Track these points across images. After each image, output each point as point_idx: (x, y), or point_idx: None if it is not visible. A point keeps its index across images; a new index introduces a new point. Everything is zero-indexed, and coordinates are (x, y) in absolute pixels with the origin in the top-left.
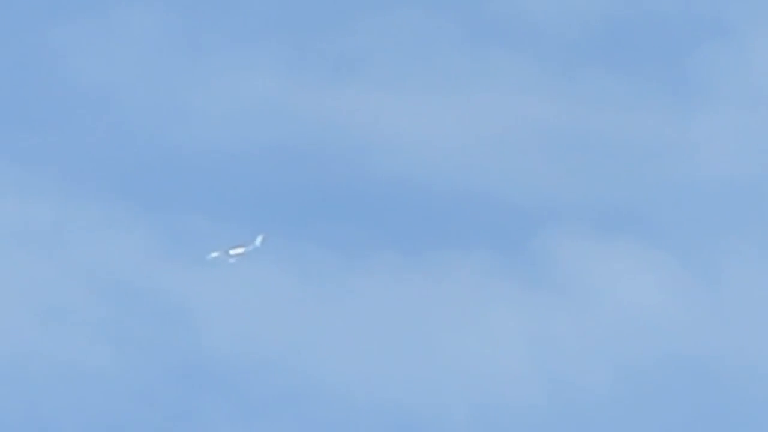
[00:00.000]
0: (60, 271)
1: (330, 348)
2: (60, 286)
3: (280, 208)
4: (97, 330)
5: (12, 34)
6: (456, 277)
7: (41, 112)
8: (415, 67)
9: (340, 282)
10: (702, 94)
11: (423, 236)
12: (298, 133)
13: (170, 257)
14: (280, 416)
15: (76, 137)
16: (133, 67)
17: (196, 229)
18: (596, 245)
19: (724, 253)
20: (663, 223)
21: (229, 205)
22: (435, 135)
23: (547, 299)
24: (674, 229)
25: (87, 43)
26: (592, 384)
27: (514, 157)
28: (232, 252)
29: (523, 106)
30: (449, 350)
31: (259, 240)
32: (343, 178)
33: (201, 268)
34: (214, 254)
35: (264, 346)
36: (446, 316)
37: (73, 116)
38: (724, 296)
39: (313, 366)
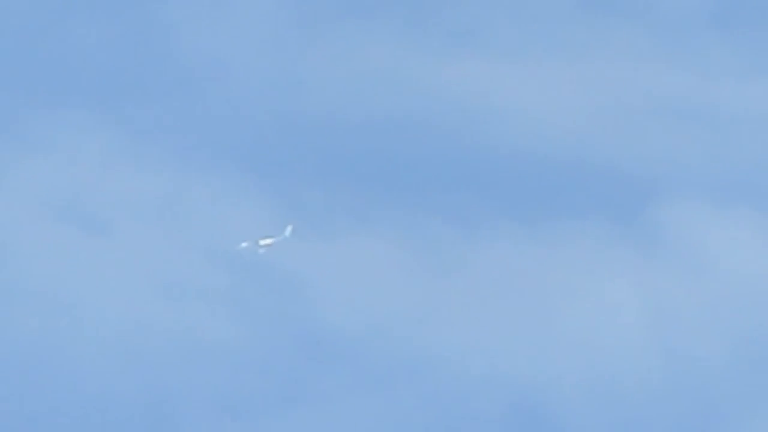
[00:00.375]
0: (178, 244)
1: (446, 319)
2: (178, 259)
3: (396, 179)
4: (216, 302)
5: (127, 9)
6: (572, 247)
7: (157, 85)
8: (531, 37)
9: (456, 253)
10: None
11: (539, 206)
12: (414, 104)
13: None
14: (396, 387)
15: (192, 110)
16: (248, 38)
17: (313, 201)
18: (712, 214)
19: None
20: None
21: (345, 176)
22: (551, 105)
23: (662, 269)
24: None
25: (201, 16)
26: (707, 354)
27: (629, 126)
28: (261, 243)
29: (638, 76)
30: (565, 320)
31: (288, 230)
32: (459, 148)
33: (318, 240)
34: (244, 244)
35: (381, 317)
36: (562, 285)
37: (188, 89)
38: None
39: (429, 337)
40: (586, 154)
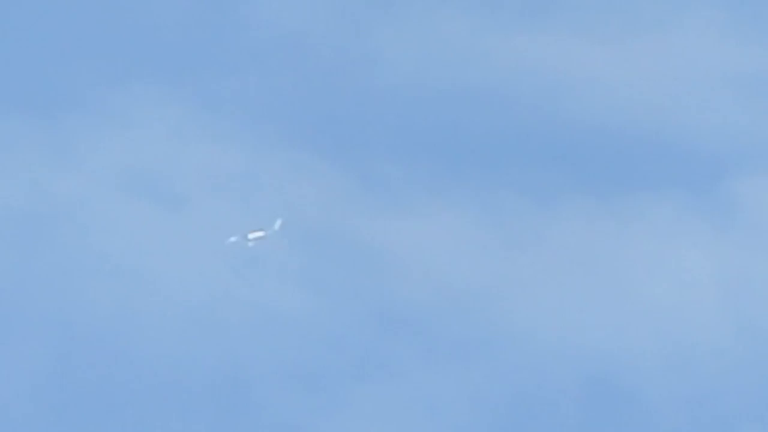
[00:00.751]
0: (253, 217)
1: (522, 292)
2: (255, 231)
3: (472, 154)
4: (291, 276)
5: None
6: (647, 220)
7: (231, 59)
8: (609, 11)
9: (532, 227)
10: None
11: (615, 180)
12: (490, 78)
13: (364, 204)
14: (472, 361)
15: (266, 83)
16: (322, 12)
17: (388, 175)
18: None
19: None
20: None
21: (421, 150)
22: (627, 80)
23: (737, 241)
24: None
25: None
26: None
27: (705, 100)
28: (251, 236)
29: (715, 51)
30: (640, 293)
31: (278, 224)
32: (535, 122)
33: (394, 214)
34: (233, 239)
35: (457, 291)
36: (637, 258)
37: (263, 62)
38: None
39: (505, 310)
40: (662, 128)
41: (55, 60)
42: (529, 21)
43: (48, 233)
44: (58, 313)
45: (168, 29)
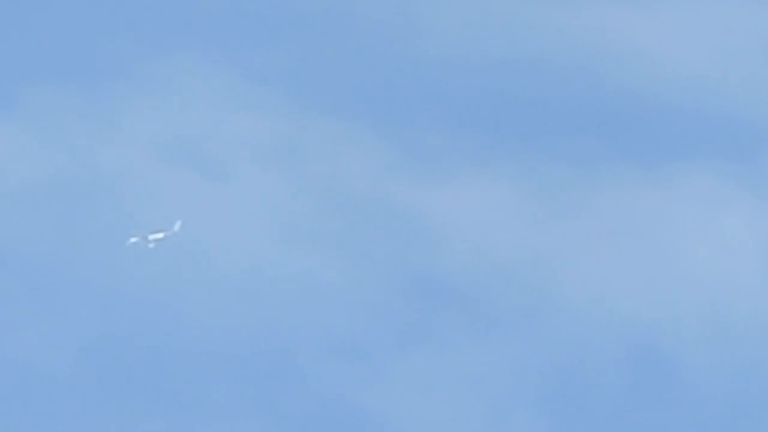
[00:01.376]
0: (295, 187)
1: (564, 261)
2: (296, 201)
3: (515, 122)
4: (333, 245)
5: None
6: (690, 190)
7: (273, 28)
8: None
9: (575, 196)
10: None
11: (658, 149)
12: (534, 47)
13: (407, 173)
14: (515, 330)
15: (308, 53)
16: None
17: (431, 144)
18: None
19: None
20: None
21: (464, 119)
22: (672, 50)
23: None
24: None
25: None
26: None
27: (749, 72)
28: (151, 237)
29: (757, 19)
30: (682, 262)
31: (177, 226)
32: (577, 91)
33: (437, 183)
34: (134, 239)
35: (499, 260)
36: (680, 227)
37: (307, 32)
38: None
39: (547, 280)
40: (705, 98)
41: (98, 30)
42: None
43: (91, 203)
44: (101, 283)
45: None
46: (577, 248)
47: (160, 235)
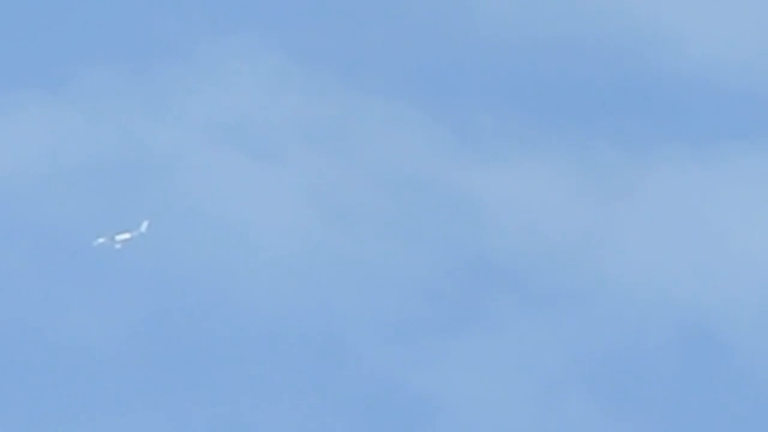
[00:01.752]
0: (346, 169)
1: (615, 242)
2: (347, 183)
3: (565, 104)
4: (385, 226)
5: None
6: (740, 170)
7: (327, 10)
8: None
9: (625, 177)
10: None
11: (707, 129)
12: (584, 28)
13: (458, 154)
14: (565, 311)
15: (362, 34)
16: None
17: (482, 126)
18: None
19: None
20: None
21: (516, 100)
22: (719, 29)
23: None
24: None
25: None
26: None
27: None
28: (118, 238)
29: None
30: (734, 242)
31: (144, 226)
32: (627, 72)
33: (487, 165)
34: (100, 240)
35: (550, 241)
36: (730, 208)
37: (359, 13)
38: None
39: (598, 260)
40: (753, 80)
41: (152, 11)
42: None
43: (142, 183)
44: (152, 263)
45: None
46: (629, 229)
47: (126, 236)
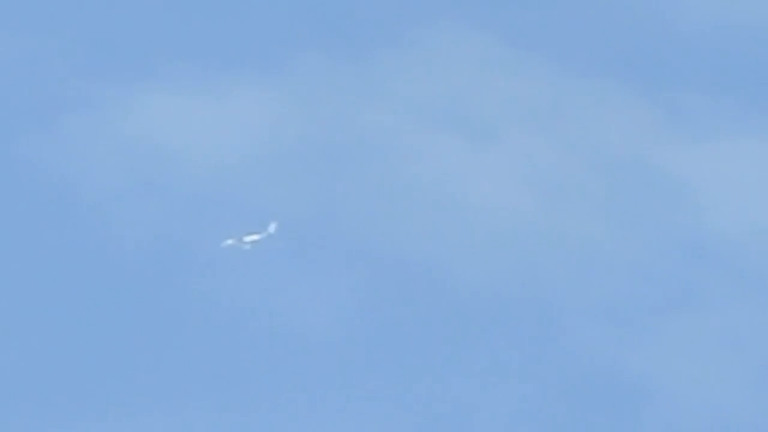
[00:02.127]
0: (560, 150)
1: None
2: (560, 164)
3: None
4: (597, 207)
5: None
6: None
7: None
8: None
9: None
10: None
11: None
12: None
13: (670, 134)
14: None
15: (572, 16)
16: None
17: (695, 105)
18: None
19: None
20: None
21: (728, 80)
22: None
23: None
24: None
25: None
26: None
27: None
28: (246, 239)
29: None
30: None
31: (272, 227)
32: None
33: (701, 144)
34: (229, 242)
35: (763, 220)
36: None
37: None
38: None
39: None
40: None
41: None
42: None
43: (356, 166)
44: (368, 245)
45: None
46: None
47: (255, 237)
